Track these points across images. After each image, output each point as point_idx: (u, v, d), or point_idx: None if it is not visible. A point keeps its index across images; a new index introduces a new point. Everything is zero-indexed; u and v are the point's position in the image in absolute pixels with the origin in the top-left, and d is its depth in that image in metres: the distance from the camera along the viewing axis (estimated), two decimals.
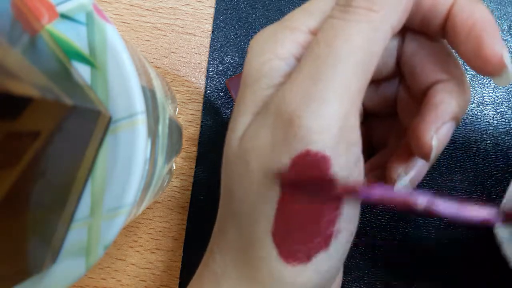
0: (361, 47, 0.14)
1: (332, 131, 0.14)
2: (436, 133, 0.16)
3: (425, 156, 0.16)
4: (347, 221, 0.15)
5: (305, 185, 0.14)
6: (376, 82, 0.20)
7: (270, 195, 0.14)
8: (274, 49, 0.15)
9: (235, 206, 0.16)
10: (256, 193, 0.15)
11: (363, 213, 0.29)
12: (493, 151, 0.29)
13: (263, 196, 0.15)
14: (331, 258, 0.15)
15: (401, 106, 0.19)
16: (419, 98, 0.18)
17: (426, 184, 0.29)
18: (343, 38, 0.14)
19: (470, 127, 0.29)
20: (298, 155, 0.14)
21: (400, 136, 0.20)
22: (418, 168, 0.17)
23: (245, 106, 0.16)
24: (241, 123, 0.16)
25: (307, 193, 0.14)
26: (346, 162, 0.14)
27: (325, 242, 0.14)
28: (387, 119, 0.20)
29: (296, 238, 0.14)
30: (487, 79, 0.30)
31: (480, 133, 0.29)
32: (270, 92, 0.15)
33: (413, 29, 0.17)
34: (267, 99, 0.15)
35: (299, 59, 0.16)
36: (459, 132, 0.29)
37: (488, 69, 0.15)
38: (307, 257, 0.14)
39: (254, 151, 0.15)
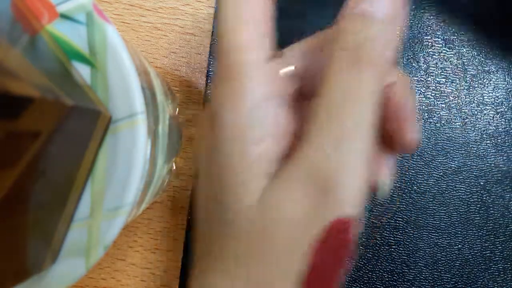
0: (372, 103, 0.14)
1: (359, 198, 0.14)
2: (415, 128, 0.17)
3: (413, 150, 0.18)
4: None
5: (336, 251, 0.15)
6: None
7: (295, 265, 0.14)
8: (241, 101, 0.14)
9: (249, 276, 0.15)
10: (278, 263, 0.15)
11: (363, 213, 0.29)
12: (493, 151, 0.29)
13: (287, 266, 0.15)
14: None
15: None
16: None
17: (427, 185, 0.29)
18: (356, 97, 0.14)
19: (470, 127, 0.29)
20: (330, 224, 0.14)
21: None
22: (393, 164, 0.19)
23: (248, 171, 0.15)
24: (251, 189, 0.15)
25: (337, 258, 0.15)
26: (359, 222, 0.15)
27: None
28: None
29: None
30: (487, 79, 0.30)
31: (480, 133, 0.29)
32: (272, 147, 0.15)
33: None
34: (273, 157, 0.15)
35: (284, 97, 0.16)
36: (459, 132, 0.29)
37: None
38: None
39: (282, 223, 0.14)
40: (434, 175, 0.29)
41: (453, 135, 0.29)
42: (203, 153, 0.16)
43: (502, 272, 0.28)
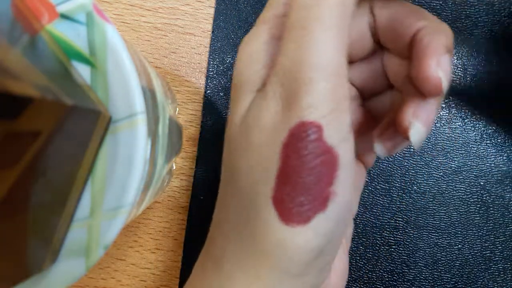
0: (335, 13, 0.15)
1: (328, 104, 0.15)
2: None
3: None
4: (343, 186, 0.16)
5: (303, 152, 0.15)
6: (361, 61, 0.21)
7: (271, 165, 0.15)
8: (255, 39, 0.17)
9: (236, 183, 0.16)
10: (257, 165, 0.16)
11: (363, 213, 0.29)
12: (493, 151, 0.29)
13: (264, 167, 0.16)
14: (328, 220, 0.16)
15: (392, 75, 0.20)
16: (406, 56, 0.19)
17: (427, 184, 0.29)
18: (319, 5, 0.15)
19: (470, 127, 0.29)
20: (294, 127, 0.15)
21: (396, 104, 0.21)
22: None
23: (242, 89, 0.17)
24: (242, 103, 0.17)
25: (305, 158, 0.15)
26: (338, 129, 0.15)
27: (323, 203, 0.15)
28: (384, 95, 0.22)
29: (295, 201, 0.15)
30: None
31: (480, 133, 0.29)
32: (264, 72, 0.17)
33: (387, 47, 0.20)
34: (262, 79, 0.17)
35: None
36: (459, 132, 0.29)
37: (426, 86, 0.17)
38: (306, 218, 0.15)
39: (256, 126, 0.16)
40: (434, 175, 0.29)
41: (453, 135, 0.29)
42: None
43: (502, 272, 0.28)
